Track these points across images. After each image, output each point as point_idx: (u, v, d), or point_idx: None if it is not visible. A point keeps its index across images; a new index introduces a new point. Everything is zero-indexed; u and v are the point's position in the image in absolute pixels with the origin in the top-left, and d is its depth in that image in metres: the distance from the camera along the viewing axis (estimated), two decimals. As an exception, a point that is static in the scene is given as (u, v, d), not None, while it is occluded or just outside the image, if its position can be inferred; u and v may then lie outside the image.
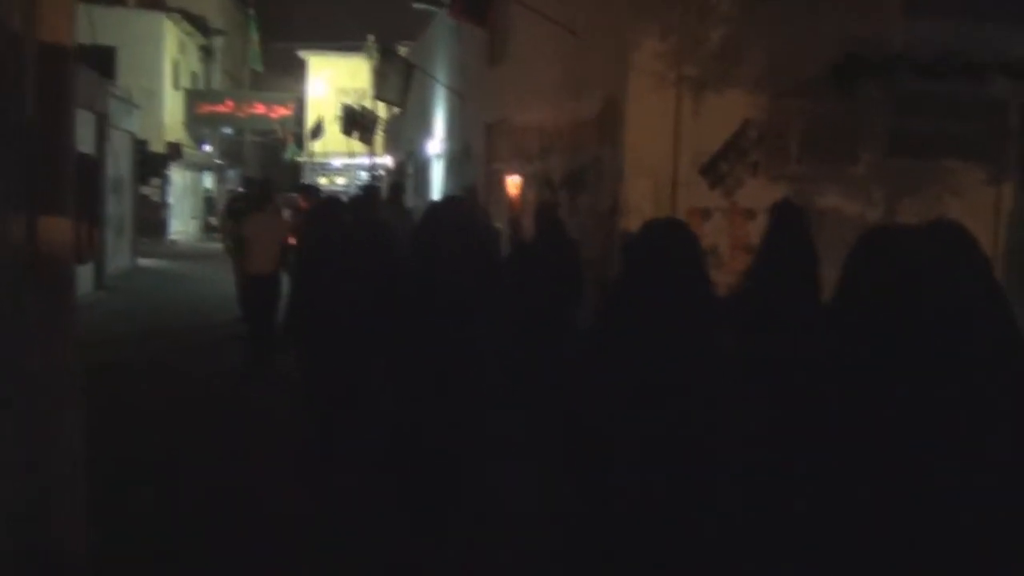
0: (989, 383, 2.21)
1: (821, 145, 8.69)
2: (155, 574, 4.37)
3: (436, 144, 18.57)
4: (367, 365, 5.53)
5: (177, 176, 29.82)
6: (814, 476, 2.34)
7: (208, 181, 35.69)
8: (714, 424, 2.86)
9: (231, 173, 37.73)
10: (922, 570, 2.17)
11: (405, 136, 23.70)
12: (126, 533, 4.55)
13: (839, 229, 8.47)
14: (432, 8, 18.74)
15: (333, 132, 27.27)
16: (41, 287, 3.37)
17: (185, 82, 31.44)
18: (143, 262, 19.62)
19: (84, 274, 12.96)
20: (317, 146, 31.38)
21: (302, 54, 38.66)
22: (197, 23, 30.79)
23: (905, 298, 2.23)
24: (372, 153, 26.05)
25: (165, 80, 28.44)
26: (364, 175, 31.52)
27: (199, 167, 33.62)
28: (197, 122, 31.83)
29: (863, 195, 8.77)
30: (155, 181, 25.13)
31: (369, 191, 10.53)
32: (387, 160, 26.92)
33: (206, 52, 34.29)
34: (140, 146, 19.60)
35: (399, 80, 15.63)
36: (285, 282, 8.41)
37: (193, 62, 32.88)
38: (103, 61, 15.44)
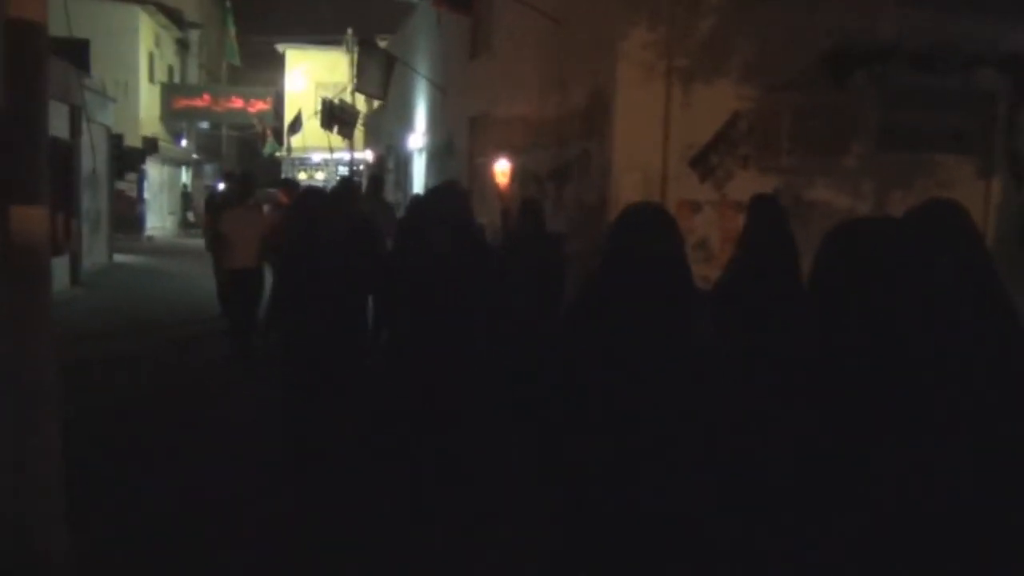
0: (969, 371, 2.16)
1: (811, 138, 8.61)
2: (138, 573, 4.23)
3: (418, 138, 18.38)
4: (349, 358, 5.49)
5: (154, 171, 29.45)
6: (792, 468, 2.32)
7: (185, 176, 35.29)
8: (696, 416, 2.80)
9: (208, 168, 37.34)
10: (918, 564, 2.15)
11: (385, 130, 23.48)
12: (108, 531, 4.42)
13: (829, 222, 8.39)
14: None
15: (312, 127, 26.94)
16: (15, 280, 3.20)
17: (161, 76, 31.04)
18: (119, 258, 19.33)
19: (59, 270, 12.68)
20: (296, 141, 31.02)
21: (280, 48, 38.25)
22: (173, 16, 30.35)
23: (869, 289, 2.22)
24: (352, 148, 25.77)
25: (141, 73, 28.04)
26: (344, 170, 31.27)
27: (176, 162, 33.24)
28: (174, 116, 31.44)
29: (853, 188, 8.70)
30: (131, 176, 24.72)
31: (347, 184, 10.38)
32: (367, 155, 26.67)
33: (182, 45, 33.88)
34: (116, 140, 19.24)
35: (379, 73, 15.40)
36: (268, 277, 8.18)
37: (169, 55, 32.46)
38: (77, 53, 15.10)
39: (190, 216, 33.52)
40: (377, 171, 23.19)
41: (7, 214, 3.19)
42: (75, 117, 14.33)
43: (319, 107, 23.89)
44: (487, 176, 12.86)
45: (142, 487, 5.24)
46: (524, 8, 10.17)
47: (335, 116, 22.02)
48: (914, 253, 2.31)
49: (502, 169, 10.34)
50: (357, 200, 9.02)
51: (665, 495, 2.78)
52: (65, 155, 12.91)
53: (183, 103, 31.72)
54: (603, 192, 8.58)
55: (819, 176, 8.61)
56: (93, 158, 15.96)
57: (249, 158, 36.46)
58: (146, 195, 28.10)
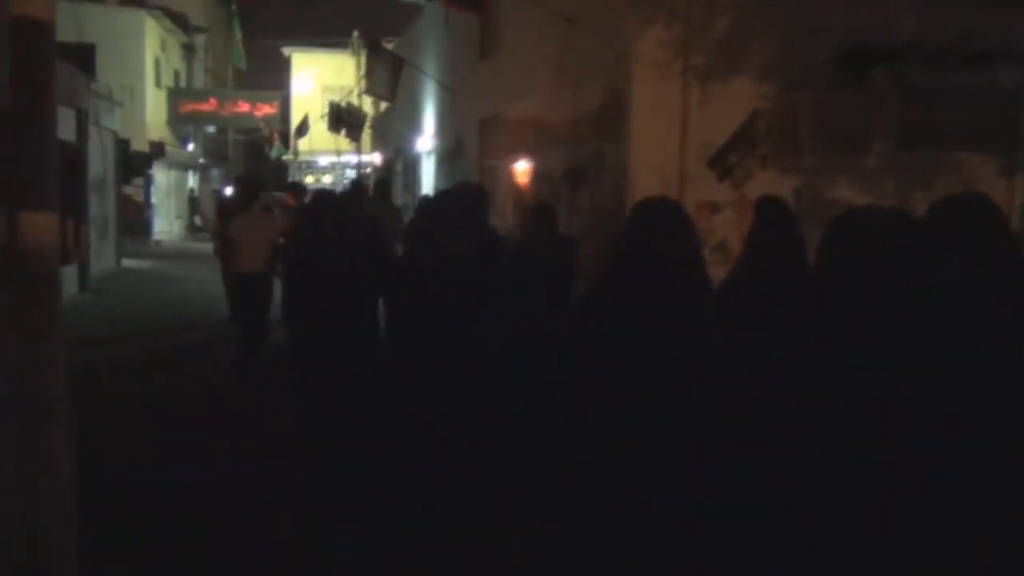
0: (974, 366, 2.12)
1: (831, 137, 8.44)
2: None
3: (426, 141, 18.25)
4: (358, 360, 5.44)
5: (161, 175, 29.40)
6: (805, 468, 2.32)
7: (192, 180, 35.24)
8: (710, 419, 2.76)
9: (215, 172, 37.29)
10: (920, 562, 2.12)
11: (393, 133, 23.36)
12: (116, 535, 4.36)
13: (850, 223, 8.26)
14: (419, 0, 18.42)
15: (319, 130, 26.88)
16: (23, 289, 3.06)
17: (167, 80, 31.00)
18: (127, 263, 19.24)
19: (68, 276, 12.58)
20: (303, 144, 30.95)
21: (286, 51, 38.19)
22: (179, 20, 30.34)
23: (870, 280, 2.23)
24: (359, 151, 25.67)
25: (147, 78, 28.00)
26: (351, 173, 31.17)
27: (183, 166, 33.20)
28: (180, 121, 31.40)
29: (874, 187, 8.52)
30: (138, 181, 24.66)
31: (355, 187, 10.33)
32: (375, 157, 26.56)
33: (188, 50, 33.85)
34: (122, 145, 19.16)
35: (388, 75, 15.28)
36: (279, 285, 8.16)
37: (175, 60, 32.42)
38: (83, 58, 15.02)
39: (197, 220, 33.48)
40: (384, 174, 23.09)
41: (14, 220, 3.05)
42: (82, 122, 14.24)
43: (326, 110, 23.80)
44: (498, 178, 12.73)
45: (150, 489, 5.19)
46: (535, 7, 10.03)
47: (342, 119, 21.93)
48: (919, 245, 2.31)
49: (522, 170, 10.20)
50: (364, 203, 8.94)
51: (671, 494, 2.74)
52: (73, 159, 12.75)
53: (189, 107, 31.68)
54: (619, 194, 8.43)
55: (839, 175, 8.44)
56: (100, 163, 15.88)
57: (256, 162, 36.37)
58: (153, 199, 28.05)
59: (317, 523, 4.72)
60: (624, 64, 8.37)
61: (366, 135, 24.86)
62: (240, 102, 32.98)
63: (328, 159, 33.25)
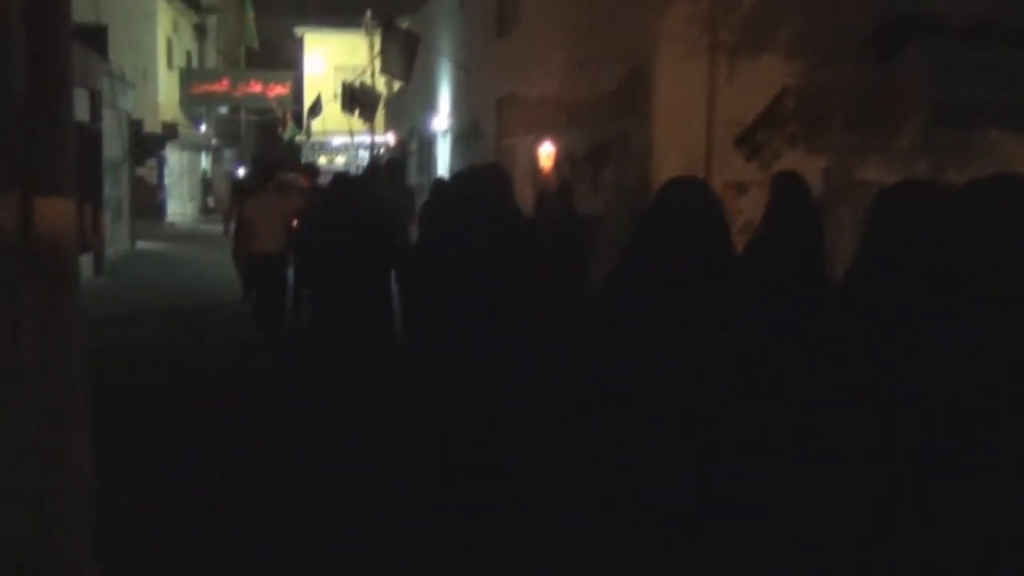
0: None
1: (862, 114, 8.20)
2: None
3: (442, 120, 18.05)
4: (372, 341, 5.39)
5: (173, 157, 29.28)
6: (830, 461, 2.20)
7: (205, 162, 35.13)
8: (731, 409, 2.70)
9: (228, 153, 37.17)
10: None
11: (407, 113, 23.16)
12: (135, 532, 4.24)
13: (880, 203, 8.04)
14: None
15: (332, 110, 26.69)
16: (39, 280, 2.92)
17: (179, 61, 30.84)
18: (142, 245, 19.16)
19: (83, 259, 12.48)
20: (316, 125, 30.73)
21: (298, 31, 37.95)
22: (190, 0, 30.11)
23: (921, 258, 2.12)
24: (373, 131, 25.47)
25: (159, 59, 27.84)
26: (364, 153, 30.99)
27: (196, 147, 33.07)
28: (192, 102, 31.23)
29: (905, 166, 8.29)
30: (151, 162, 24.56)
31: (369, 168, 10.32)
32: (389, 138, 26.35)
33: (200, 30, 33.66)
34: (135, 126, 19.03)
35: (403, 54, 15.07)
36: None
37: (187, 40, 32.24)
38: (95, 39, 14.86)
39: (210, 202, 33.39)
40: (396, 155, 22.90)
41: (30, 206, 2.90)
42: (96, 103, 14.10)
43: (339, 90, 23.59)
44: (515, 158, 12.54)
45: (166, 477, 5.15)
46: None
47: (356, 99, 21.73)
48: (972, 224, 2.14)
49: (546, 152, 10.03)
50: (376, 184, 8.85)
51: (691, 488, 2.70)
52: (90, 141, 12.52)
53: (202, 88, 31.50)
54: (644, 173, 8.25)
55: (870, 155, 8.21)
56: (113, 145, 15.75)
57: (268, 143, 36.21)
58: (166, 181, 27.94)
59: (332, 515, 4.62)
60: (649, 41, 8.17)
61: (380, 115, 24.65)
62: (252, 82, 32.78)
63: (341, 139, 33.05)
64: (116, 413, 5.57)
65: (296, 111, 32.53)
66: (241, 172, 26.22)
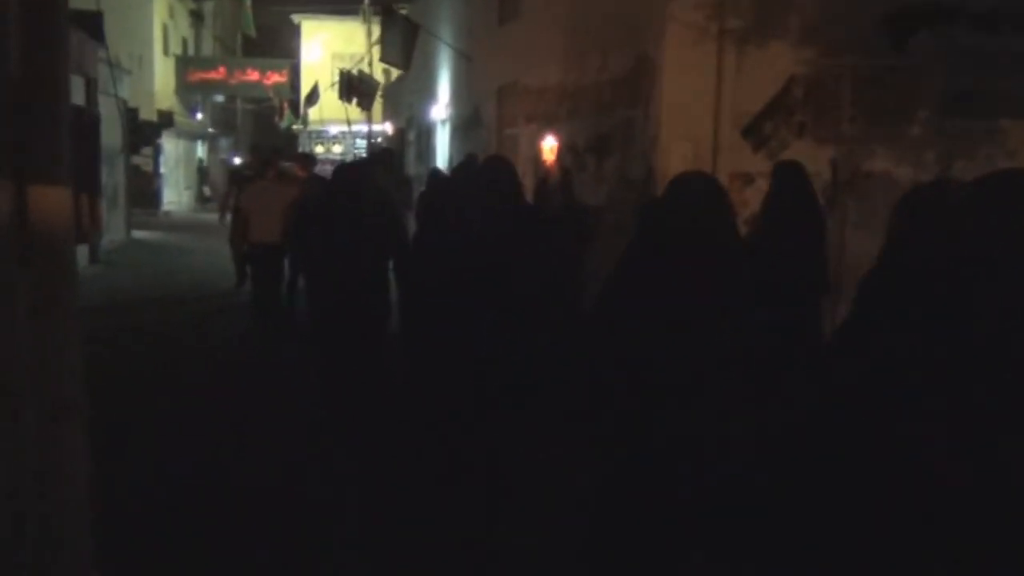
0: None
1: (871, 104, 8.07)
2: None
3: (441, 109, 17.87)
4: (369, 327, 5.39)
5: (169, 145, 29.05)
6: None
7: (201, 150, 34.90)
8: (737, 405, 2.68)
9: (224, 142, 36.93)
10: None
11: (406, 102, 22.97)
12: (133, 527, 4.17)
13: (889, 194, 7.90)
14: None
15: (329, 99, 26.48)
16: (36, 273, 2.79)
17: (175, 48, 30.57)
18: (138, 234, 19.01)
19: (78, 249, 12.30)
20: (313, 113, 30.51)
21: (295, 18, 37.66)
22: (186, -13, 29.88)
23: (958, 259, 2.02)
24: (370, 120, 25.28)
25: (155, 46, 27.57)
26: (362, 142, 30.80)
27: (191, 136, 32.83)
28: (188, 90, 30.97)
29: (915, 158, 8.17)
30: (147, 150, 24.33)
31: (370, 159, 10.30)
32: (386, 127, 26.16)
33: (196, 17, 33.36)
34: (131, 114, 18.82)
35: (402, 41, 14.88)
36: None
37: (183, 27, 31.95)
38: (91, 25, 14.64)
39: (206, 191, 33.18)
40: (392, 144, 22.73)
41: (24, 194, 2.77)
42: (90, 90, 13.92)
43: (336, 78, 23.39)
44: (516, 148, 12.39)
45: (163, 471, 5.08)
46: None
47: (354, 87, 21.54)
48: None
49: (549, 146, 9.90)
50: (375, 174, 8.76)
51: (700, 480, 2.68)
52: (89, 127, 12.23)
53: (198, 76, 31.22)
54: (649, 163, 8.10)
55: (879, 145, 8.09)
56: (109, 133, 15.56)
57: (265, 131, 35.98)
58: (162, 170, 27.72)
59: (332, 513, 4.56)
60: (655, 27, 8.01)
61: (377, 104, 24.45)
62: (249, 70, 32.51)
63: (338, 128, 32.84)
64: (112, 404, 5.58)
65: (293, 99, 32.30)
66: (237, 161, 26.04)
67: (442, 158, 17.67)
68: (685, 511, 2.71)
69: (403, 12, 17.72)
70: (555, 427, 4.28)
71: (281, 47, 38.06)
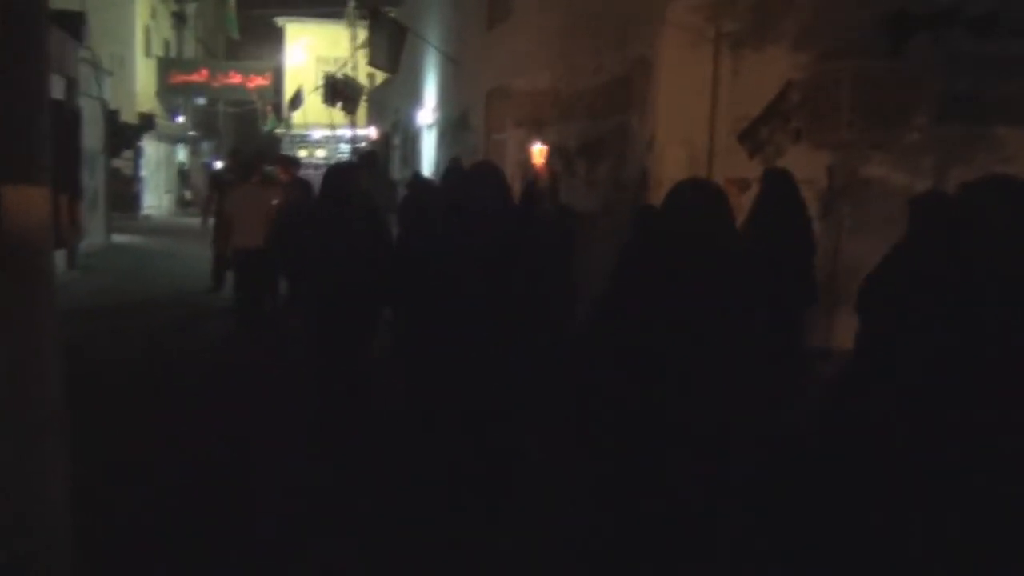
0: None
1: (868, 110, 7.97)
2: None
3: (427, 114, 17.69)
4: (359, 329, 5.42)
5: (150, 148, 28.70)
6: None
7: (182, 154, 34.55)
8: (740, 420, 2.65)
9: (205, 145, 36.59)
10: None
11: (391, 106, 22.77)
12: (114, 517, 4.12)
13: (886, 201, 7.80)
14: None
15: (313, 102, 26.27)
16: (10, 276, 2.59)
17: (157, 50, 30.24)
18: (117, 239, 18.69)
19: (56, 252, 12.03)
20: (297, 117, 30.25)
21: (279, 21, 37.39)
22: (169, -12, 29.56)
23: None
24: (354, 124, 25.07)
25: (136, 47, 27.25)
26: (345, 147, 30.59)
27: (173, 139, 32.49)
28: (170, 92, 30.64)
29: (912, 164, 8.08)
30: (127, 153, 23.99)
31: (362, 160, 10.25)
32: (371, 131, 25.96)
33: (179, 19, 33.03)
34: (112, 116, 18.51)
35: (390, 44, 14.70)
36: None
37: (165, 29, 31.63)
38: (72, 25, 14.37)
39: (187, 194, 32.84)
40: (376, 147, 22.53)
41: (0, 196, 2.58)
42: (71, 91, 13.64)
43: (320, 82, 23.18)
44: (505, 153, 12.24)
45: (147, 476, 4.96)
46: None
47: (338, 91, 21.32)
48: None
49: (539, 149, 9.76)
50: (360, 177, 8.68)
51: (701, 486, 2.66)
52: (71, 120, 11.81)
53: (180, 78, 30.92)
54: (644, 168, 7.96)
55: (875, 151, 7.98)
56: (89, 134, 15.28)
57: (248, 135, 35.67)
58: (143, 173, 27.37)
59: (331, 512, 4.49)
60: (651, 30, 7.88)
61: (361, 108, 24.25)
62: (232, 73, 32.24)
63: (322, 132, 32.60)
64: (92, 411, 5.43)
65: (276, 103, 32.03)
66: (219, 165, 25.73)
67: (428, 163, 17.49)
68: (685, 511, 2.70)
69: (391, 15, 17.57)
70: (555, 428, 4.25)
71: (265, 50, 37.78)
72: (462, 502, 4.29)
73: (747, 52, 7.70)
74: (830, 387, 2.71)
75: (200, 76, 31.37)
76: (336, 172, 5.98)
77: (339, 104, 21.57)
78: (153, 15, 29.40)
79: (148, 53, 28.89)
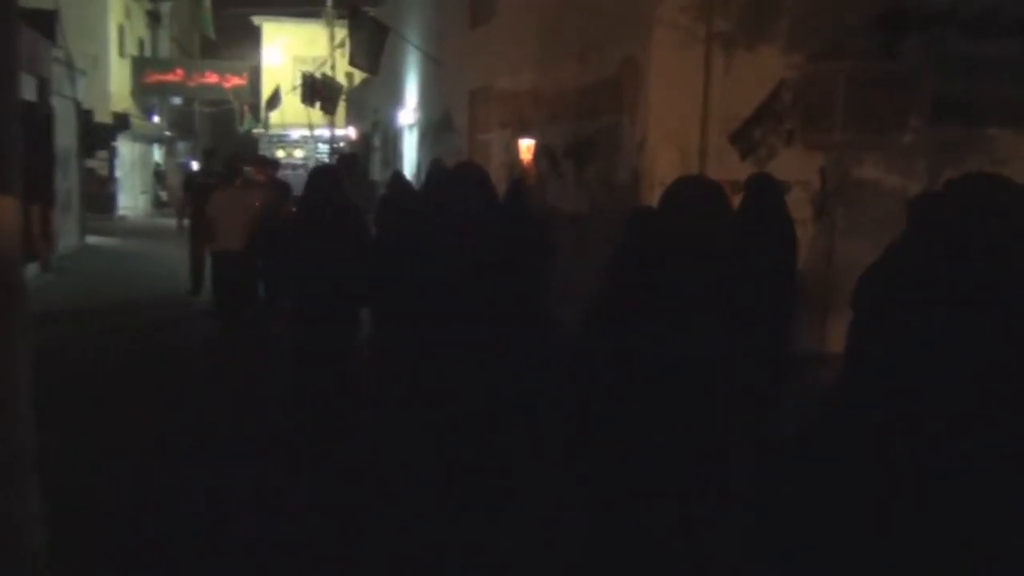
0: None
1: (861, 111, 7.86)
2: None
3: (408, 114, 17.48)
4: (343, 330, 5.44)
5: (125, 148, 28.27)
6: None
7: (157, 154, 34.11)
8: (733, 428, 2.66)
9: (181, 145, 36.17)
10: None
11: (371, 106, 22.53)
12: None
13: (879, 203, 7.71)
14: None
15: (291, 102, 26.00)
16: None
17: (132, 49, 29.81)
18: (92, 240, 18.35)
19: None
20: (274, 117, 29.93)
21: (256, 20, 37.01)
22: (143, -14, 29.14)
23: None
24: (333, 124, 24.80)
25: (110, 46, 26.81)
26: (324, 147, 30.32)
27: (148, 139, 32.06)
28: (145, 92, 30.23)
29: (905, 166, 8.00)
30: (102, 154, 23.61)
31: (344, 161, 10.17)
32: (349, 132, 25.70)
33: (154, 18, 32.60)
34: (85, 116, 18.16)
35: (371, 43, 14.47)
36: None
37: (140, 28, 31.20)
38: (44, 24, 14.04)
39: (163, 195, 32.41)
40: (355, 148, 22.30)
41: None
42: (43, 91, 13.32)
43: (297, 82, 22.93)
44: (489, 154, 12.07)
45: (127, 483, 4.87)
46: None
47: (316, 91, 21.08)
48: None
49: (526, 145, 9.60)
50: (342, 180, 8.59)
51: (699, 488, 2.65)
52: (40, 126, 11.46)
53: (155, 78, 30.51)
54: (635, 169, 7.82)
55: (868, 153, 7.90)
56: (63, 135, 14.96)
57: (224, 135, 35.27)
58: (118, 173, 26.95)
59: (330, 513, 4.46)
60: (641, 30, 7.73)
61: (340, 108, 24.00)
62: (208, 73, 31.86)
63: (300, 133, 32.28)
64: (63, 418, 5.38)
65: (253, 103, 31.68)
66: (195, 165, 25.38)
67: (409, 163, 17.29)
68: (684, 511, 2.69)
69: (371, 14, 17.35)
70: (554, 428, 4.13)
71: (241, 50, 37.38)
72: (462, 502, 4.28)
73: (739, 52, 7.59)
74: (828, 388, 2.63)
75: (176, 76, 30.98)
76: (319, 175, 5.88)
77: (318, 104, 21.33)
78: (127, 14, 28.97)
79: (122, 52, 28.47)
